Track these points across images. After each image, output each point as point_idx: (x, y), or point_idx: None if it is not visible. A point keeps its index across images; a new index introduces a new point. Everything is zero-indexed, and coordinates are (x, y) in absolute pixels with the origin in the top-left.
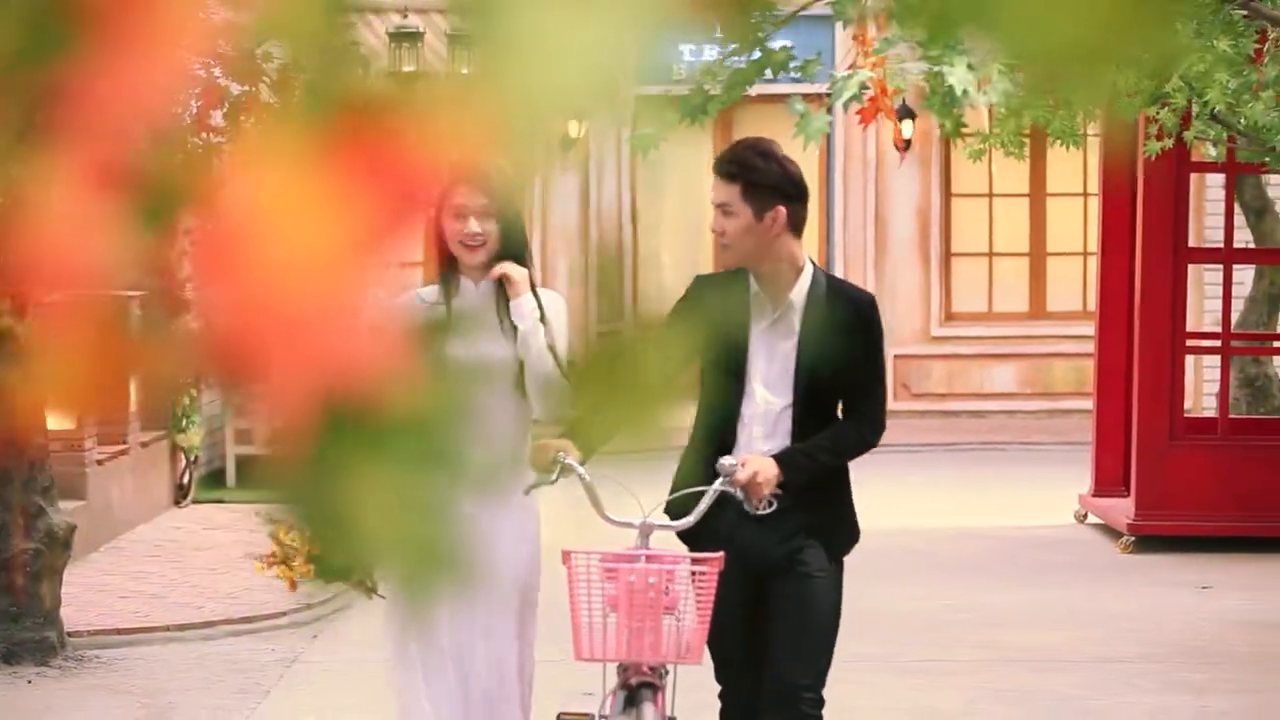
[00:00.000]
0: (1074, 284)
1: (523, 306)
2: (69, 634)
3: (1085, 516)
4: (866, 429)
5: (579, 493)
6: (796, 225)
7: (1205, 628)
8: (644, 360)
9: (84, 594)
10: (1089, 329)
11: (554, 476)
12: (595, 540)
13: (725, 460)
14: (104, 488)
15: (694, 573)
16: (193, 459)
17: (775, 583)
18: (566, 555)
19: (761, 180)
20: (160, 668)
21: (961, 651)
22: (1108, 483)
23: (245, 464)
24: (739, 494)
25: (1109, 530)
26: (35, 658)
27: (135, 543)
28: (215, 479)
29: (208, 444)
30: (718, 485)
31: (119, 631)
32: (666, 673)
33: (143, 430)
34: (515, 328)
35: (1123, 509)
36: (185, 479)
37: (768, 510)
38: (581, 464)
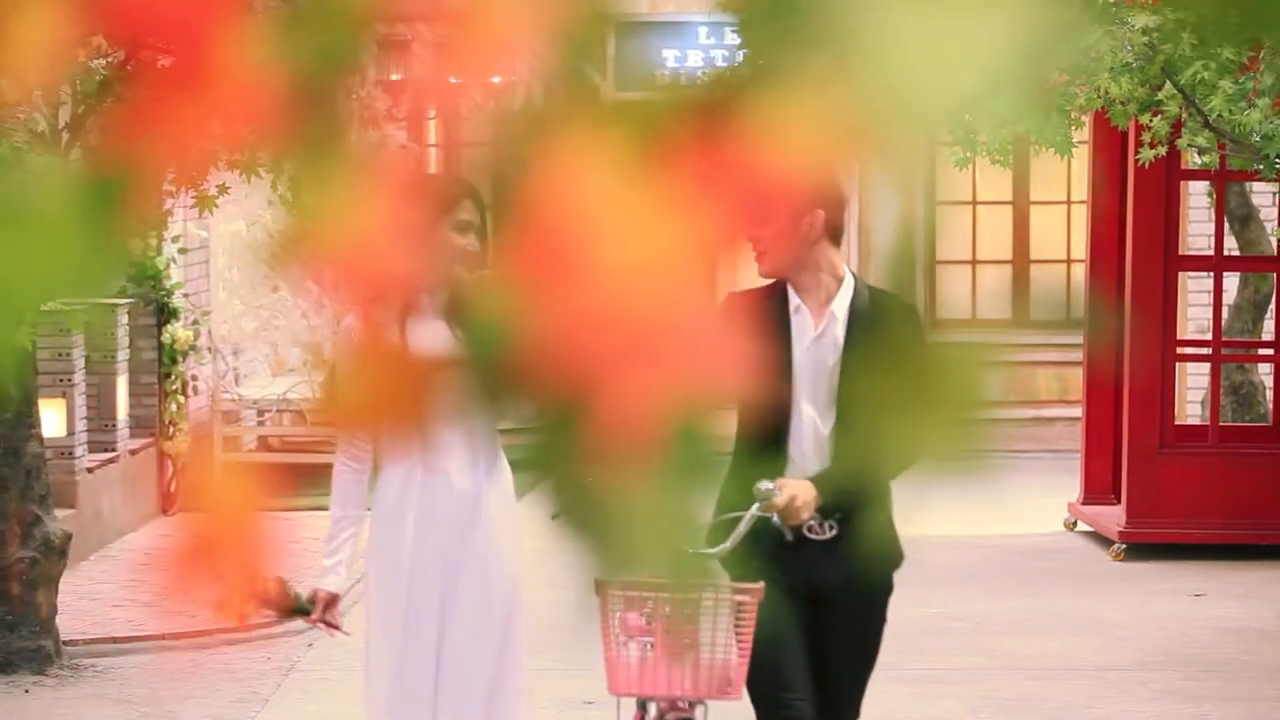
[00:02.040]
0: (1058, 292)
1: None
2: (64, 642)
3: (1075, 524)
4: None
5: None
6: (835, 232)
7: (1200, 636)
8: (947, 371)
9: (76, 602)
10: (1072, 337)
11: None
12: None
13: (761, 484)
14: (94, 496)
15: (733, 602)
16: (181, 466)
17: (827, 616)
18: (600, 585)
19: None
20: (157, 676)
21: (961, 659)
22: (1097, 490)
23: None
24: (775, 520)
25: (1100, 538)
26: (32, 667)
27: (126, 550)
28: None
29: (195, 451)
30: (754, 511)
31: (114, 640)
32: (694, 705)
33: (131, 437)
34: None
35: (1113, 517)
36: (173, 487)
37: (827, 535)
38: None
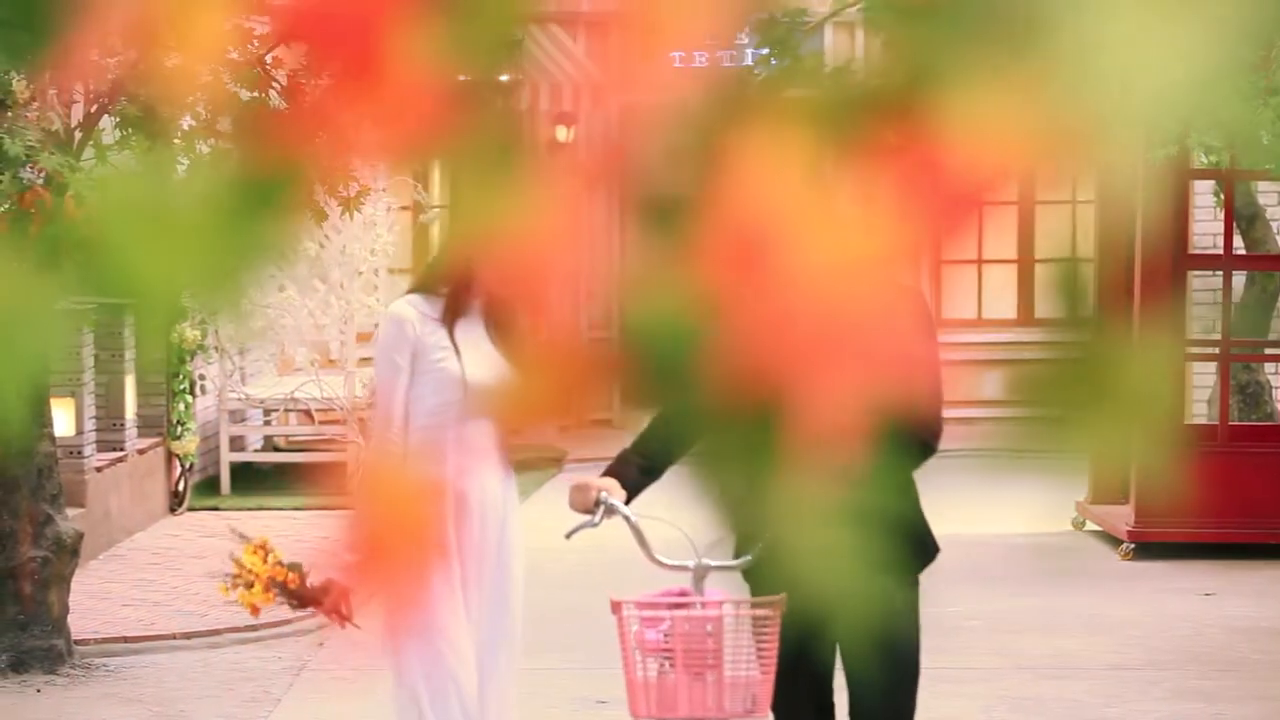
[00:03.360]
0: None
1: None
2: (76, 642)
3: (1083, 524)
4: (923, 434)
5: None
6: None
7: (1212, 635)
8: (1119, 365)
9: (86, 602)
10: (1078, 337)
11: (597, 519)
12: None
13: None
14: (103, 495)
15: (755, 617)
16: (188, 466)
17: (854, 625)
18: (616, 606)
19: None
20: (169, 676)
21: (975, 659)
22: (1105, 490)
23: (239, 471)
24: None
25: (1108, 537)
26: (43, 666)
27: (134, 550)
28: (209, 486)
29: (202, 451)
30: None
31: (125, 640)
32: None
33: (139, 437)
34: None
35: (1122, 516)
36: (181, 486)
37: None
38: (626, 504)
